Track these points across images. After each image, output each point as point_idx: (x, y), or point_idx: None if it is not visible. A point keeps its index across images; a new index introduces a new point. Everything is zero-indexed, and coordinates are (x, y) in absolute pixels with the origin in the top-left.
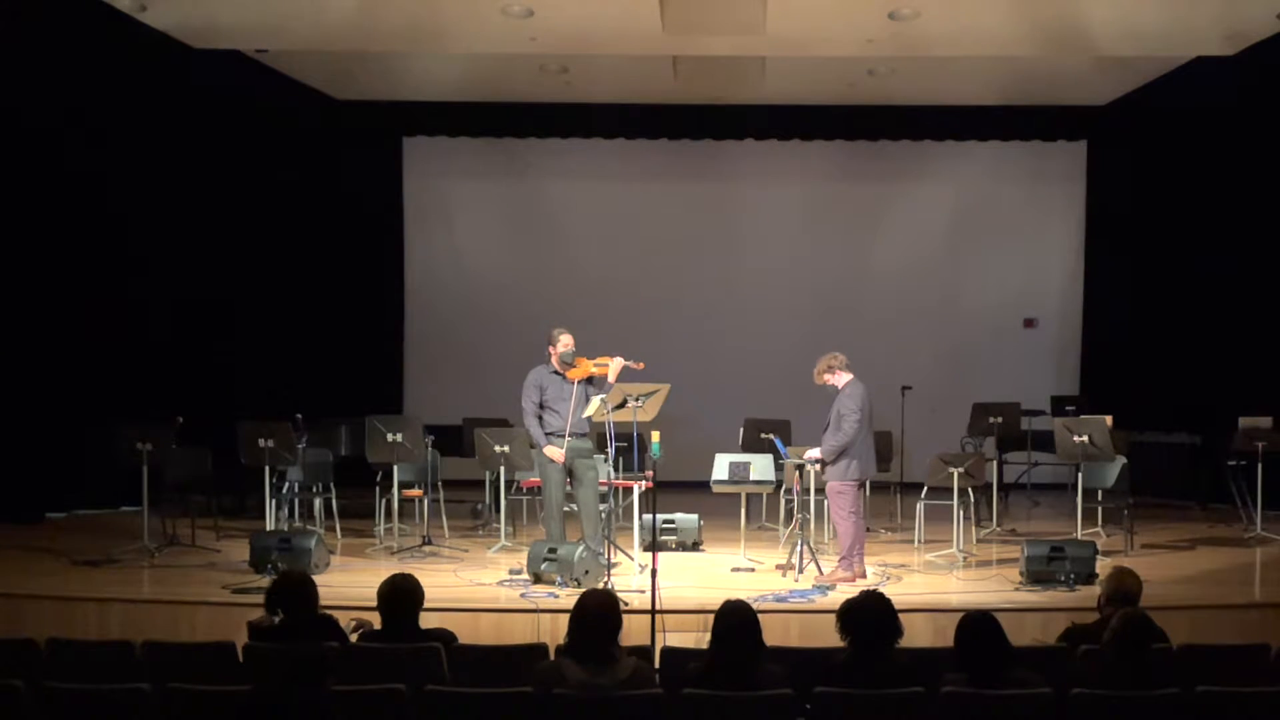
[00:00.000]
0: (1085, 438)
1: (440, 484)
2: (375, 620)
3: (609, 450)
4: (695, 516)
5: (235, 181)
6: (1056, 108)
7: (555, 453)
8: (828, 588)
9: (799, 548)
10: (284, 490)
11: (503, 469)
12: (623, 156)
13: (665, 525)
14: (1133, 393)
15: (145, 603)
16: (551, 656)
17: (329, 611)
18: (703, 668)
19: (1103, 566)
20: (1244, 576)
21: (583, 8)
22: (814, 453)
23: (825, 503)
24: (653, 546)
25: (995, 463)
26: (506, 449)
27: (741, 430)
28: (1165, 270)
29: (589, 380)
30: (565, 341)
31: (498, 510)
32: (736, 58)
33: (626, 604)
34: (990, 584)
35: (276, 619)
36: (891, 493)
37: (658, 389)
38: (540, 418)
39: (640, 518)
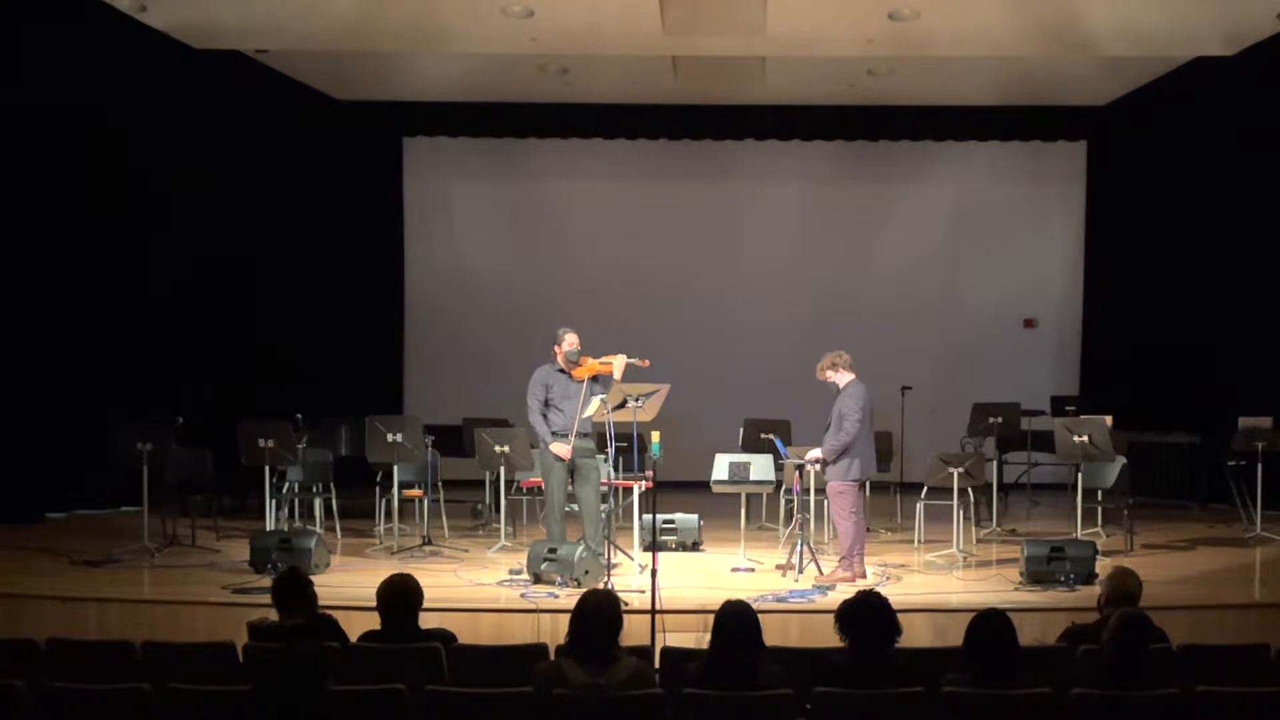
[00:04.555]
0: (1085, 438)
1: (440, 484)
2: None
3: (609, 450)
4: (695, 516)
5: (235, 182)
6: (1056, 108)
7: (562, 449)
8: (828, 588)
9: (799, 548)
10: (284, 490)
11: (503, 469)
12: (623, 156)
13: (665, 525)
14: (1133, 393)
15: (145, 603)
16: (551, 656)
17: (329, 611)
18: (703, 668)
19: (1103, 566)
20: (1244, 576)
21: (583, 8)
22: (815, 453)
23: (825, 503)
24: (653, 546)
25: (995, 463)
26: (506, 449)
27: (741, 430)
28: (1165, 270)
29: (594, 379)
30: (570, 341)
31: (498, 510)
32: (736, 58)
33: (626, 604)
34: (990, 584)
35: (276, 619)
36: (891, 493)
37: (658, 389)
38: (545, 416)
39: (640, 518)
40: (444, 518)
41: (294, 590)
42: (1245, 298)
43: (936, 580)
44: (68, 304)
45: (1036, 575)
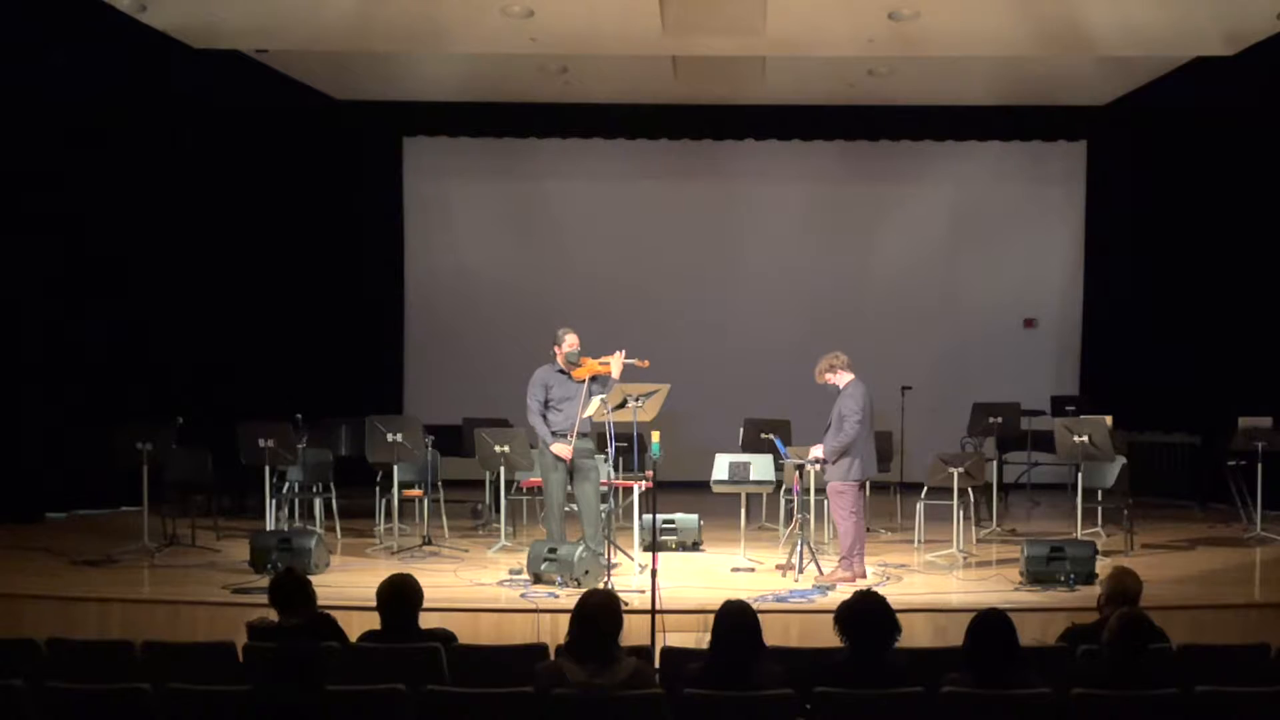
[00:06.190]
0: (1085, 438)
1: (440, 484)
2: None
3: (609, 450)
4: (695, 516)
5: (235, 181)
6: (1056, 108)
7: (563, 449)
8: (828, 588)
9: (799, 548)
10: (284, 490)
11: (503, 469)
12: (623, 156)
13: (665, 525)
14: (1133, 393)
15: (145, 603)
16: (551, 656)
17: (328, 611)
18: (703, 668)
19: (1103, 566)
20: (1244, 576)
21: (583, 8)
22: (817, 451)
23: (825, 503)
24: (653, 546)
25: (995, 463)
26: (506, 449)
27: (741, 430)
28: (1165, 270)
29: (594, 379)
30: (570, 341)
31: (498, 510)
32: (736, 58)
33: (626, 604)
34: (990, 584)
35: (276, 619)
36: (891, 493)
37: (658, 389)
38: (544, 416)
39: (640, 518)
40: (444, 518)
41: (292, 590)
42: (1246, 297)
43: (936, 580)
44: (67, 304)
45: (1036, 575)
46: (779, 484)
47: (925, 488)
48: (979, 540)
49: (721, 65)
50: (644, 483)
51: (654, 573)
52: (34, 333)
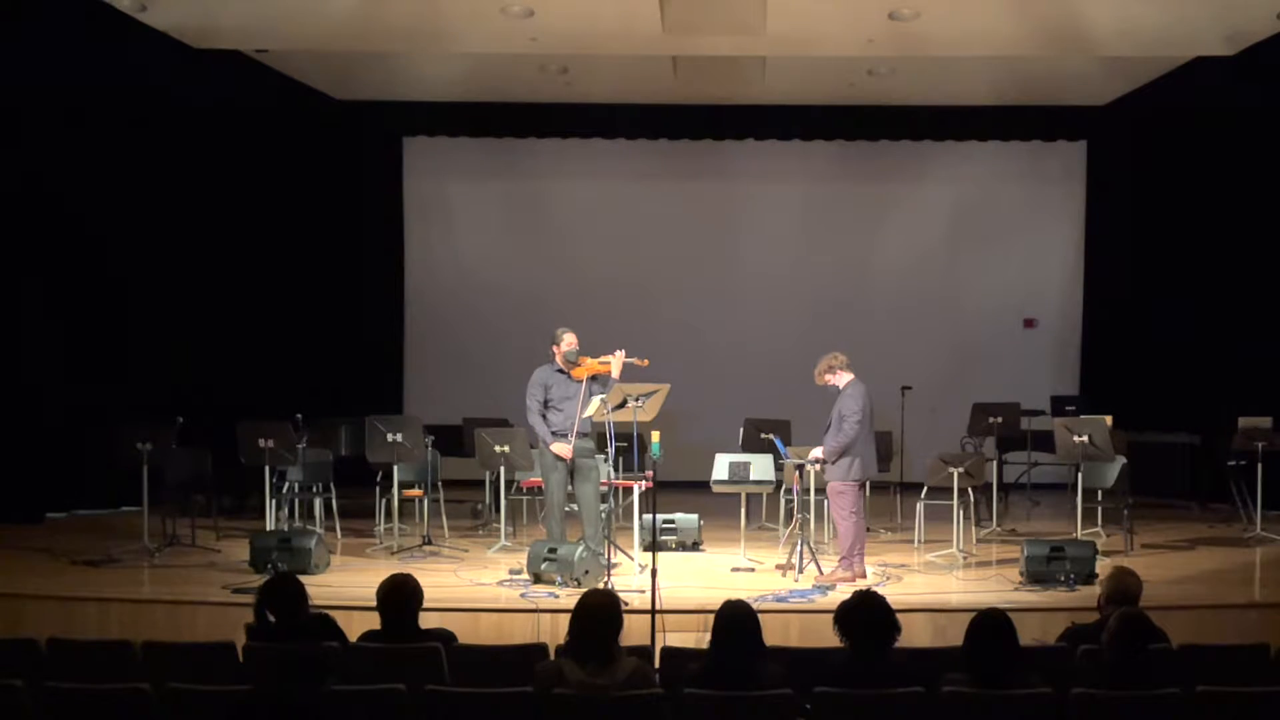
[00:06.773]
0: (1085, 438)
1: (440, 484)
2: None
3: (609, 450)
4: (695, 516)
5: (235, 182)
6: (1056, 108)
7: (563, 448)
8: (828, 588)
9: (799, 548)
10: (284, 490)
11: (503, 469)
12: (623, 156)
13: (665, 525)
14: (1133, 393)
15: (145, 603)
16: (551, 656)
17: (328, 611)
18: (703, 668)
19: (1103, 566)
20: (1244, 576)
21: (583, 8)
22: (818, 452)
23: (825, 503)
24: (653, 546)
25: (995, 463)
26: (506, 449)
27: (741, 430)
28: (1165, 270)
29: (594, 378)
30: (569, 341)
31: (498, 510)
32: (736, 58)
33: (626, 604)
34: (990, 584)
35: (271, 620)
36: (891, 493)
37: (658, 389)
38: (544, 416)
39: (640, 518)
40: (444, 518)
41: (282, 592)
42: (1245, 297)
43: (936, 580)
44: (68, 303)
45: (1036, 575)
46: (779, 484)
47: (925, 488)
48: (979, 540)
49: (721, 65)
50: (644, 483)
51: (654, 573)
52: (34, 333)
